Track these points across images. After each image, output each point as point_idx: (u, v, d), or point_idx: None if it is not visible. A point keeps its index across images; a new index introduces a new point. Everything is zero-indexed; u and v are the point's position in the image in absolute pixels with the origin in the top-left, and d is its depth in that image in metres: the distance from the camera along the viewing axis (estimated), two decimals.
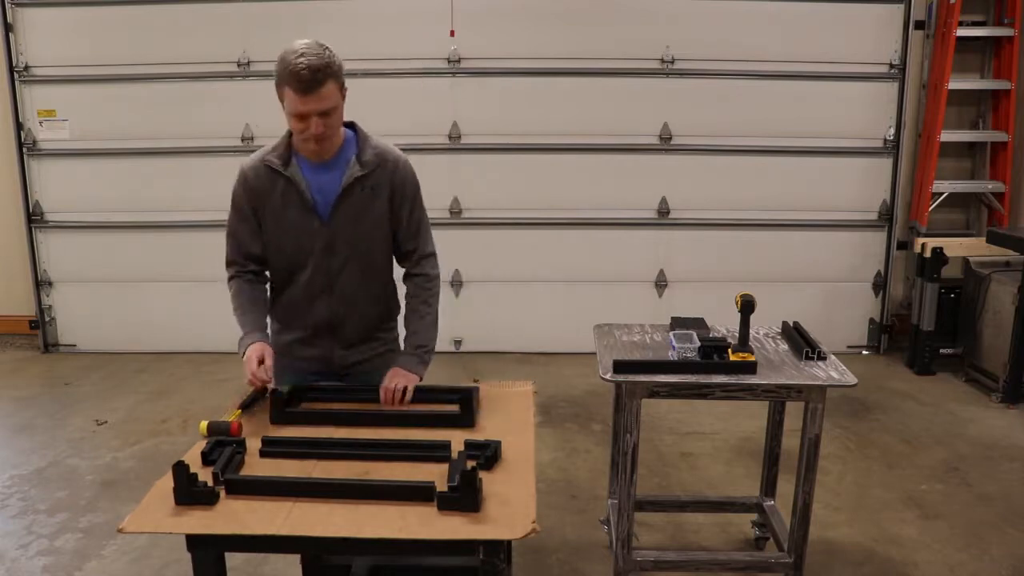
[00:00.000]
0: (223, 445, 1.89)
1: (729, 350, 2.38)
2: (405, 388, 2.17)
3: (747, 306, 2.41)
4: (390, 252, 2.33)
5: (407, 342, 2.31)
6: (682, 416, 4.31)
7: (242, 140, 5.23)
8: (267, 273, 2.33)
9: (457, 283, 5.28)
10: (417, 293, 2.33)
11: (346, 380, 2.34)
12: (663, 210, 5.32)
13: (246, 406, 2.14)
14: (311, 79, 1.98)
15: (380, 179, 2.20)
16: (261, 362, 2.12)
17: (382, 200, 2.21)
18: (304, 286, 2.25)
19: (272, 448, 1.92)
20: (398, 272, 2.37)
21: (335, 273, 2.24)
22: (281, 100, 2.06)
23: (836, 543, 3.11)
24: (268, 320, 2.32)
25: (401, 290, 2.39)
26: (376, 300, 2.33)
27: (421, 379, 2.25)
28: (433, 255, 2.37)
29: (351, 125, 2.23)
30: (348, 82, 2.12)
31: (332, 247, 2.21)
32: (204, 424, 2.01)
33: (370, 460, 1.88)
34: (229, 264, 2.31)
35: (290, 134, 2.18)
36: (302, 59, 1.97)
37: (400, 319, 2.40)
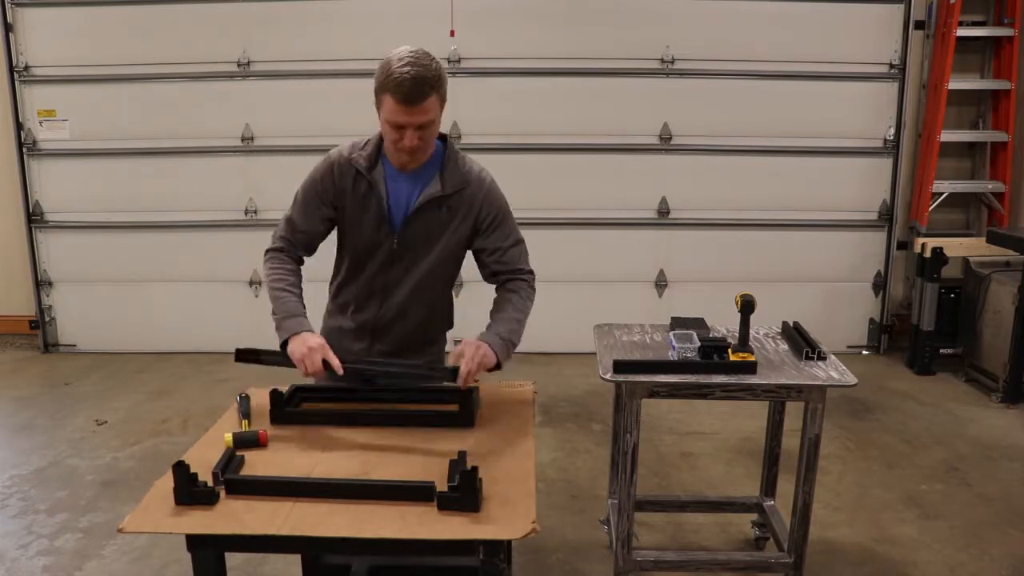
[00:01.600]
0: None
1: (729, 350, 2.38)
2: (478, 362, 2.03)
3: (747, 306, 2.41)
4: (455, 272, 2.30)
5: (491, 324, 2.18)
6: (682, 416, 4.31)
7: (242, 140, 5.23)
8: (304, 258, 2.28)
9: (458, 283, 5.25)
10: (515, 289, 2.25)
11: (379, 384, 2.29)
12: (663, 210, 5.32)
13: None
14: (414, 91, 1.91)
15: (460, 202, 2.14)
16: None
17: (460, 224, 2.17)
18: (364, 284, 2.25)
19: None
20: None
21: (392, 282, 2.23)
22: (378, 106, 1.99)
23: (836, 543, 3.11)
24: (326, 301, 2.33)
25: (458, 309, 2.38)
26: (428, 310, 2.29)
27: (499, 366, 2.10)
28: (531, 273, 2.31)
29: (443, 138, 2.16)
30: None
31: (396, 257, 2.19)
32: (229, 436, 1.94)
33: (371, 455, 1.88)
34: (278, 239, 2.25)
35: (381, 136, 2.11)
36: (408, 69, 1.90)
37: (448, 337, 2.40)
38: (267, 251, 2.26)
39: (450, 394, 2.16)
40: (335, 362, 2.01)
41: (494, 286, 2.31)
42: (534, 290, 2.29)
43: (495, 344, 2.09)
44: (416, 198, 2.13)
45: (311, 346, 2.02)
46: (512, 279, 2.25)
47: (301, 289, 2.21)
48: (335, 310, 2.36)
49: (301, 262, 2.27)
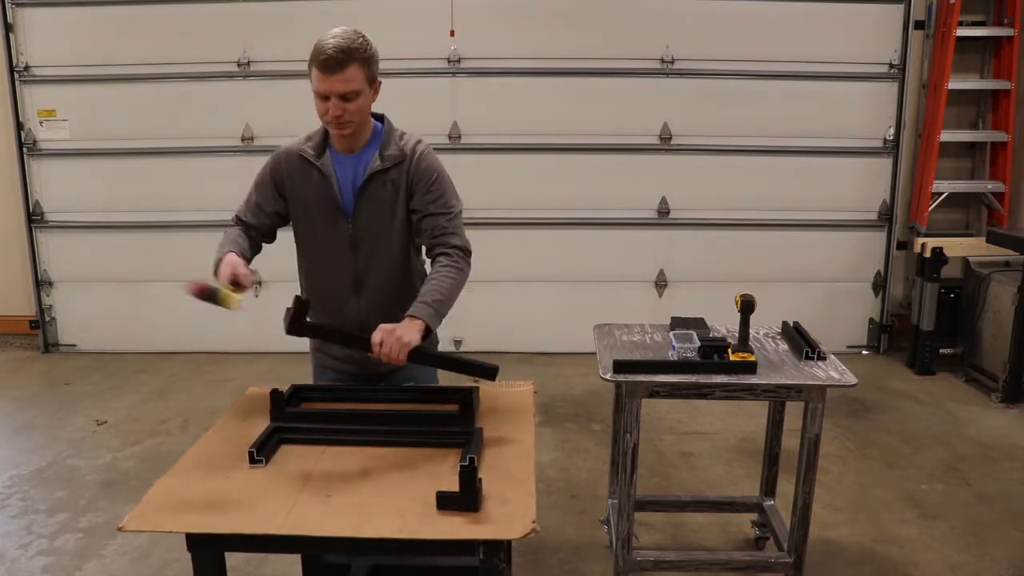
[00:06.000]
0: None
1: (729, 350, 2.38)
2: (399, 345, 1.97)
3: (747, 306, 2.41)
4: (415, 243, 2.28)
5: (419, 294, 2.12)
6: (682, 416, 4.31)
7: (242, 140, 5.24)
8: (261, 241, 2.33)
9: None
10: (443, 263, 2.16)
11: (384, 382, 2.30)
12: (663, 210, 5.32)
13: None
14: (335, 59, 2.00)
15: (400, 174, 2.18)
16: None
17: (402, 193, 2.19)
18: (334, 285, 2.25)
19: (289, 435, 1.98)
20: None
21: (361, 272, 2.23)
22: (312, 82, 2.08)
23: (836, 543, 3.11)
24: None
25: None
26: (408, 300, 2.22)
27: (427, 335, 2.04)
28: (463, 243, 2.20)
29: (381, 119, 2.23)
30: None
31: (356, 244, 2.21)
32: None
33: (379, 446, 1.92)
34: (235, 218, 2.33)
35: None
36: (332, 40, 2.02)
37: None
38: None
39: (450, 394, 2.16)
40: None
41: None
42: (465, 264, 2.19)
43: (419, 312, 2.04)
44: (361, 178, 2.17)
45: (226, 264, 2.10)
46: (441, 252, 2.18)
47: (246, 240, 2.26)
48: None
49: (254, 232, 2.31)
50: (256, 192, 2.29)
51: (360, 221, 2.19)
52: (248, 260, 2.21)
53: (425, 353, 2.08)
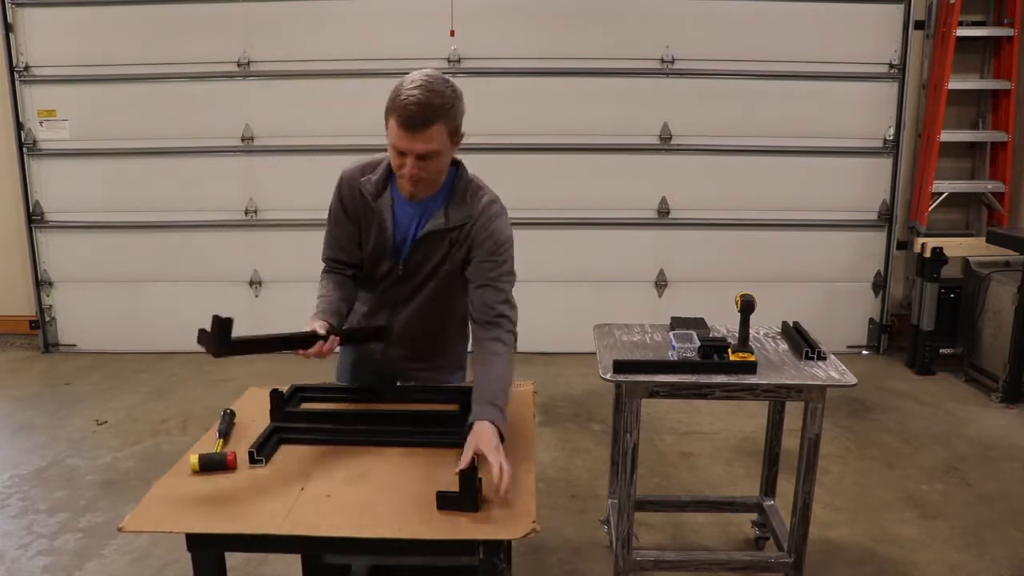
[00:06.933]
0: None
1: (729, 350, 2.38)
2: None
3: (747, 306, 2.41)
4: (464, 292, 2.15)
5: (475, 392, 1.94)
6: (682, 416, 4.31)
7: (242, 140, 5.23)
8: (356, 273, 2.24)
9: None
10: (499, 338, 2.01)
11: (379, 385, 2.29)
12: (663, 210, 5.32)
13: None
14: (417, 116, 1.83)
15: (463, 235, 2.06)
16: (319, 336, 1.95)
17: (460, 251, 2.08)
18: (375, 296, 2.22)
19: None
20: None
21: (401, 298, 2.19)
22: (386, 127, 1.91)
23: (836, 543, 3.11)
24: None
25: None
26: (438, 327, 2.23)
27: (503, 440, 1.82)
28: (512, 319, 2.06)
29: (456, 164, 2.09)
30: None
31: (402, 279, 2.15)
32: (195, 459, 1.83)
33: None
34: (323, 261, 2.23)
35: None
36: (416, 92, 1.82)
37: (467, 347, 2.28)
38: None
39: (450, 394, 2.16)
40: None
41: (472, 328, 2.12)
42: (514, 341, 2.06)
43: (496, 419, 1.84)
44: (420, 229, 2.07)
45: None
46: (493, 324, 2.04)
47: (342, 294, 2.15)
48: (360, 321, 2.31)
49: (350, 273, 2.21)
50: (335, 226, 2.17)
51: (410, 265, 2.12)
52: (344, 316, 2.14)
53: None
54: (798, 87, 5.14)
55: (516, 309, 2.10)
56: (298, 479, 1.80)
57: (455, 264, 2.11)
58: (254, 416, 2.11)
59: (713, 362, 2.35)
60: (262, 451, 1.88)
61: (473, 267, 2.07)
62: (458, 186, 2.07)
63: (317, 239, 2.29)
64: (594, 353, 2.54)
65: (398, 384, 2.31)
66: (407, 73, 1.92)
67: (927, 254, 4.91)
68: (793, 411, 2.77)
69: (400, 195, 2.06)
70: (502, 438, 1.81)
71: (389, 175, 2.07)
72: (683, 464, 3.80)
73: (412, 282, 2.17)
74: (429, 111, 1.83)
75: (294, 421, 2.08)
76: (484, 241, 2.05)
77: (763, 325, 2.74)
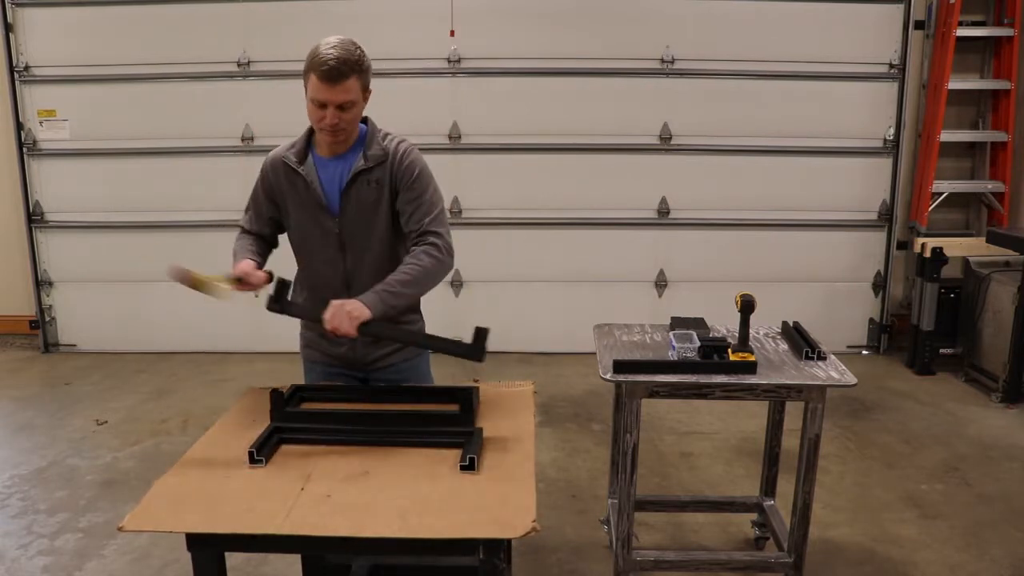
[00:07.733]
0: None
1: (729, 350, 2.38)
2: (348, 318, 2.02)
3: (747, 306, 2.41)
4: (403, 243, 2.28)
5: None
6: (682, 416, 4.31)
7: (242, 140, 5.23)
8: (268, 245, 2.40)
9: (457, 283, 5.27)
10: (414, 253, 2.17)
11: (370, 377, 2.34)
12: (663, 210, 5.32)
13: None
14: (336, 70, 2.05)
15: (383, 172, 2.21)
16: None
17: (386, 192, 2.22)
18: (326, 284, 2.27)
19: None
20: None
21: (351, 271, 2.26)
22: (305, 87, 2.12)
23: (836, 543, 3.11)
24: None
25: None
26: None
27: (371, 318, 2.04)
28: (441, 236, 2.20)
29: (365, 121, 2.27)
30: None
31: (344, 244, 2.24)
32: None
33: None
34: (240, 229, 2.40)
35: (310, 131, 2.24)
36: (332, 50, 2.06)
37: (423, 313, 2.39)
38: None
39: (450, 394, 2.16)
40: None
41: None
42: (440, 254, 2.18)
43: (367, 300, 2.07)
44: (346, 178, 2.21)
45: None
46: (421, 239, 2.19)
47: (257, 246, 2.35)
48: (309, 323, 2.37)
49: (264, 237, 2.39)
50: (253, 203, 2.36)
51: (346, 220, 2.23)
52: (261, 264, 2.31)
53: (381, 327, 2.11)
54: (798, 87, 5.14)
55: (449, 233, 2.24)
56: (298, 479, 1.79)
57: (387, 211, 2.23)
58: (254, 416, 2.11)
59: (713, 362, 2.35)
60: (262, 451, 1.88)
61: (400, 199, 2.22)
62: (371, 133, 2.25)
63: None
64: (594, 353, 2.54)
65: (398, 385, 2.31)
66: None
67: (927, 254, 4.91)
68: (793, 411, 2.77)
69: (321, 157, 2.24)
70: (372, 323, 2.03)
71: (308, 143, 2.26)
72: (683, 464, 3.80)
73: (353, 249, 2.24)
74: (346, 65, 2.06)
75: (294, 421, 2.08)
76: (404, 174, 2.22)
77: (763, 325, 2.74)
